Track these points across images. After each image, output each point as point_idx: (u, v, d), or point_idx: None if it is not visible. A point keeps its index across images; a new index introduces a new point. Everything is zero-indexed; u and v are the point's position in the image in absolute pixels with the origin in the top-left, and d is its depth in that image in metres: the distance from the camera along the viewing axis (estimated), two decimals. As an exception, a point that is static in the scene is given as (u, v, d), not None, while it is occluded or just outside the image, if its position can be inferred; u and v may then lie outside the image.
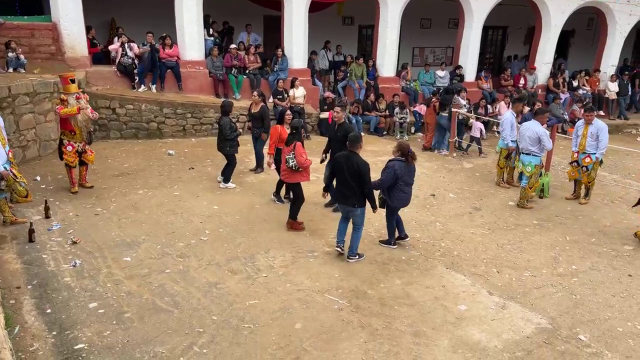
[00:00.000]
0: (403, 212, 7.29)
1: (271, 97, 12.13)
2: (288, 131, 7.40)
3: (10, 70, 9.77)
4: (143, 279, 5.47)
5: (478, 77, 14.69)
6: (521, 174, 8.26)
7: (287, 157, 6.62)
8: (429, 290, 5.53)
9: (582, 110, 8.66)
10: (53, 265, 5.64)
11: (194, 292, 5.28)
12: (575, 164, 8.38)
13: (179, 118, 11.20)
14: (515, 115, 8.90)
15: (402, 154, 6.14)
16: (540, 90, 15.13)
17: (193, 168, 9.27)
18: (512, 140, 8.76)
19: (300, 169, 6.62)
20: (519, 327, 4.95)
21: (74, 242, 6.15)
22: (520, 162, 8.09)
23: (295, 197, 6.94)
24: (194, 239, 6.50)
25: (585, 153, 8.21)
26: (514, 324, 5.01)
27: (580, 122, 8.40)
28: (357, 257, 6.11)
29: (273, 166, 7.85)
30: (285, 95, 11.93)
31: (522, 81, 14.92)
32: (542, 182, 8.38)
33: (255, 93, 8.97)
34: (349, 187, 5.80)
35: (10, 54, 9.77)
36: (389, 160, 6.21)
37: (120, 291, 5.21)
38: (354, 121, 11.93)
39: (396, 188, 6.14)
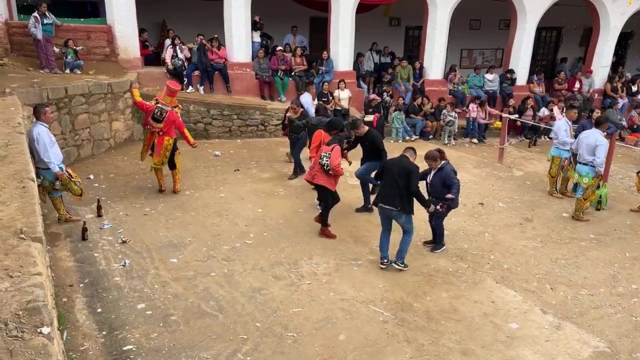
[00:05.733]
0: (451, 222, 7.14)
1: (316, 99, 12.12)
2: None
3: (67, 71, 10.16)
4: (189, 281, 5.54)
5: (530, 81, 14.15)
6: (576, 184, 7.86)
7: (322, 154, 6.58)
8: (478, 306, 5.33)
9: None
10: (104, 264, 5.79)
11: (239, 297, 5.30)
12: None
13: (225, 119, 11.34)
14: (571, 123, 8.47)
15: (442, 156, 6.19)
16: (596, 95, 14.44)
17: (238, 170, 9.35)
18: (565, 150, 8.36)
19: (330, 171, 6.53)
20: (575, 350, 4.69)
21: (124, 242, 6.31)
22: (577, 172, 7.69)
23: (325, 204, 6.83)
24: (239, 242, 6.53)
25: None
26: (569, 346, 4.75)
27: None
28: (403, 265, 5.97)
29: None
30: (330, 97, 11.88)
31: (577, 85, 14.27)
32: (599, 193, 7.95)
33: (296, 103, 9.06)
34: (395, 188, 5.70)
35: (63, 52, 10.14)
36: (440, 168, 6.13)
37: (167, 293, 5.29)
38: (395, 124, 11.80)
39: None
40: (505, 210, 8.02)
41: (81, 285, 5.34)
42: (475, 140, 12.56)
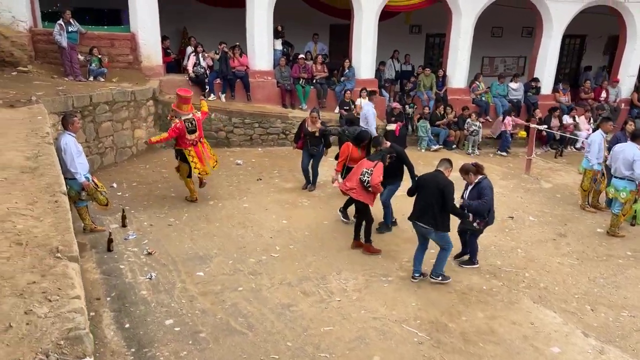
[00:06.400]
0: (481, 236, 6.89)
1: (337, 107, 12.01)
2: (359, 150, 7.23)
3: (91, 79, 10.17)
4: (216, 296, 5.41)
5: (555, 90, 13.87)
6: (611, 199, 7.59)
7: (364, 170, 6.37)
8: (516, 327, 5.12)
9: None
10: (130, 276, 5.69)
11: (267, 313, 5.15)
12: None
13: (247, 128, 11.27)
14: (605, 135, 8.21)
15: (478, 171, 6.05)
16: (623, 105, 14.11)
17: (261, 179, 9.24)
18: (597, 163, 8.11)
19: (370, 188, 6.31)
20: (622, 377, 4.47)
21: (149, 254, 6.21)
22: (613, 187, 7.42)
23: (365, 219, 6.61)
24: (265, 255, 6.40)
25: None
26: (616, 372, 4.53)
27: None
28: (441, 277, 5.79)
29: (336, 183, 7.45)
30: (352, 105, 11.74)
31: (603, 94, 13.95)
32: (635, 208, 7.67)
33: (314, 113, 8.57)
34: (430, 205, 5.55)
35: (88, 60, 10.17)
36: (477, 183, 5.94)
37: (194, 308, 5.16)
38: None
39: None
40: (537, 225, 7.78)
41: (108, 298, 5.24)
42: (504, 153, 12.25)
